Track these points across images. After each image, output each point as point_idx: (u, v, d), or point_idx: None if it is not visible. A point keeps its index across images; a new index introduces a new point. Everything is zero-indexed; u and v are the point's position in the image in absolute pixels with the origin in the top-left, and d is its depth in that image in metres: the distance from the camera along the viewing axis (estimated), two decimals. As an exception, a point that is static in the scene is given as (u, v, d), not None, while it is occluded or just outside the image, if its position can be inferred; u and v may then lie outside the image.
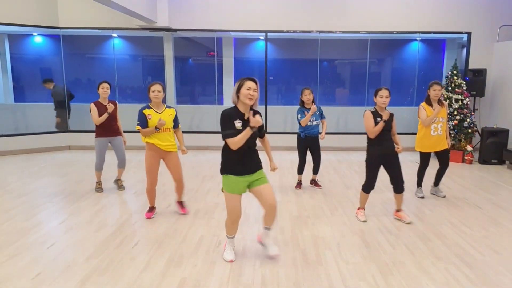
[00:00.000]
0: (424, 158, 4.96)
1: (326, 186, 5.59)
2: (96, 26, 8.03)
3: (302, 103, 5.20)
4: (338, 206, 4.69)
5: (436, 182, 5.15)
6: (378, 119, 3.96)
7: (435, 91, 4.70)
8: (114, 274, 3.07)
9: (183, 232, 3.90)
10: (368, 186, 4.15)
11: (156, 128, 4.02)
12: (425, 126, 4.78)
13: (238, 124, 2.99)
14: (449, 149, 4.95)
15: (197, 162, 7.07)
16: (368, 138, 4.07)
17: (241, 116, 3.02)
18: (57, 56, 8.31)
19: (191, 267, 3.19)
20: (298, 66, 9.59)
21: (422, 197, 5.03)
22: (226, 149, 3.09)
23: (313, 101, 5.20)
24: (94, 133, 5.12)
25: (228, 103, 8.89)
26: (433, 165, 5.16)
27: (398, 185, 4.11)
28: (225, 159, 3.11)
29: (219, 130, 3.03)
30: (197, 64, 9.62)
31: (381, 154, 4.03)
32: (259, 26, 7.97)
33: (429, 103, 4.78)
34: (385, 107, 4.00)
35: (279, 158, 7.28)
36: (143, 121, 4.05)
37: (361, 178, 4.41)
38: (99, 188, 5.25)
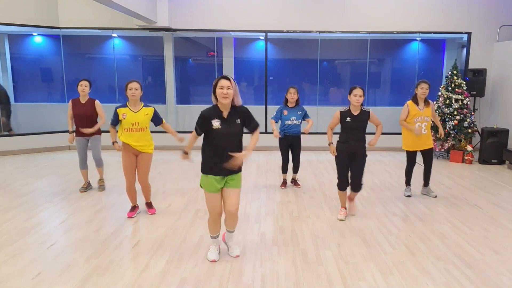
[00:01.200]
0: (410, 157, 5.00)
1: (326, 186, 5.59)
2: (96, 26, 8.04)
3: (286, 101, 5.19)
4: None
5: (425, 183, 5.15)
6: (348, 118, 4.06)
7: (422, 89, 4.76)
8: (114, 274, 3.07)
9: (183, 232, 3.90)
10: (341, 183, 4.23)
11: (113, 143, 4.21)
12: (400, 124, 4.86)
13: (216, 123, 2.99)
14: (433, 148, 4.98)
15: (196, 162, 7.03)
16: (339, 135, 4.16)
17: (219, 114, 3.02)
18: (57, 56, 8.31)
19: (191, 267, 3.19)
20: (298, 66, 9.57)
21: (409, 196, 5.06)
22: (205, 149, 3.10)
23: (297, 101, 5.18)
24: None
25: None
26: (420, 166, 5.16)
27: (356, 185, 4.24)
28: (205, 158, 3.12)
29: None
30: (197, 64, 9.60)
31: (348, 152, 4.12)
32: (259, 26, 7.98)
33: (415, 101, 4.84)
34: (360, 105, 4.07)
35: (278, 158, 7.26)
36: (114, 119, 4.13)
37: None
38: (83, 188, 5.25)
